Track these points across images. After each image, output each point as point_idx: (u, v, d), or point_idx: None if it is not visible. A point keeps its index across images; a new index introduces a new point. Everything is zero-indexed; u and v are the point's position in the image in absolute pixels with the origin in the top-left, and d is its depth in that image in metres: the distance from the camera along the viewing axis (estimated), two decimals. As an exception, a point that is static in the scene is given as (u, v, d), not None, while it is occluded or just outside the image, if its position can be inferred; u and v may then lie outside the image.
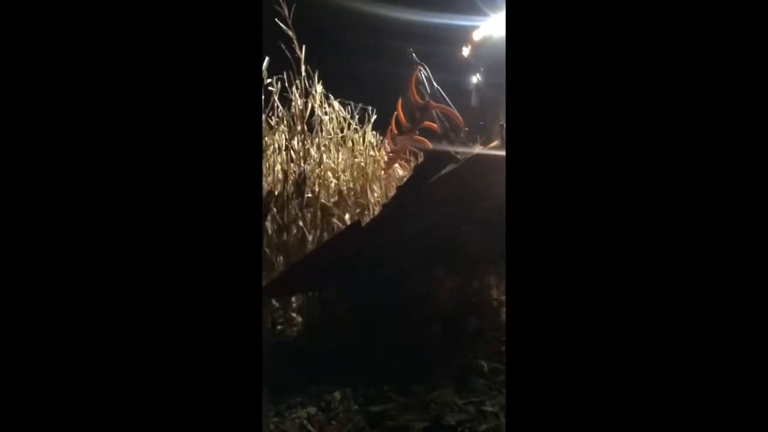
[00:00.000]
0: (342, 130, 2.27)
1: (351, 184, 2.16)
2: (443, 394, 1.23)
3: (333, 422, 1.16)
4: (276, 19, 2.01)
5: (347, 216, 1.99)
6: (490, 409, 1.16)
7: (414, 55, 2.23)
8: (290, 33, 2.02)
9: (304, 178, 1.94)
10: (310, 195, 1.94)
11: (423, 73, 2.21)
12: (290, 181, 1.94)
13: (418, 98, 2.11)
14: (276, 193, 1.85)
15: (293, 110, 2.08)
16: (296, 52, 2.06)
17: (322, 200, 1.96)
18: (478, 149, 1.99)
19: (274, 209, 1.80)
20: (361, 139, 2.32)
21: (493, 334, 1.57)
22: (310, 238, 1.84)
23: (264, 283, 1.46)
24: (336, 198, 2.04)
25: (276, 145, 2.05)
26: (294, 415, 1.17)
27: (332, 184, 2.12)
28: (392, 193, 2.04)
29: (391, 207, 1.67)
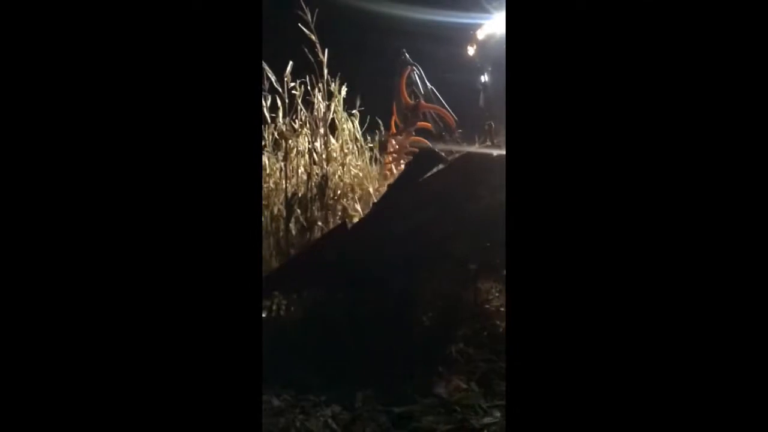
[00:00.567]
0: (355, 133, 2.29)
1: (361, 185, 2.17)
2: (468, 396, 1.22)
3: (357, 422, 1.16)
4: (299, 24, 2.04)
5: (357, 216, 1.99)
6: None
7: (407, 55, 2.23)
8: (313, 37, 2.05)
9: (326, 179, 1.96)
10: (332, 197, 1.97)
11: (416, 73, 2.21)
12: (313, 183, 1.96)
13: (408, 99, 2.12)
14: (299, 194, 1.88)
15: (316, 113, 2.11)
16: (319, 56, 2.09)
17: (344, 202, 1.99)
18: (475, 149, 1.98)
19: (298, 210, 1.82)
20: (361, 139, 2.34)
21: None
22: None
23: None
24: (354, 197, 2.06)
25: (299, 148, 2.08)
26: (319, 414, 1.18)
27: (351, 186, 2.14)
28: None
29: (380, 206, 1.67)
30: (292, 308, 1.63)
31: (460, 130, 2.21)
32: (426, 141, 2.19)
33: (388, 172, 2.40)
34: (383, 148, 2.36)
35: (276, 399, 1.23)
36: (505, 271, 1.71)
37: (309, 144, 2.03)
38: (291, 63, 2.09)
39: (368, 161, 2.30)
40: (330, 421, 1.16)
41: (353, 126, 2.25)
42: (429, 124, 2.12)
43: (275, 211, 1.88)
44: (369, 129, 2.38)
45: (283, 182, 1.91)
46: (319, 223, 1.88)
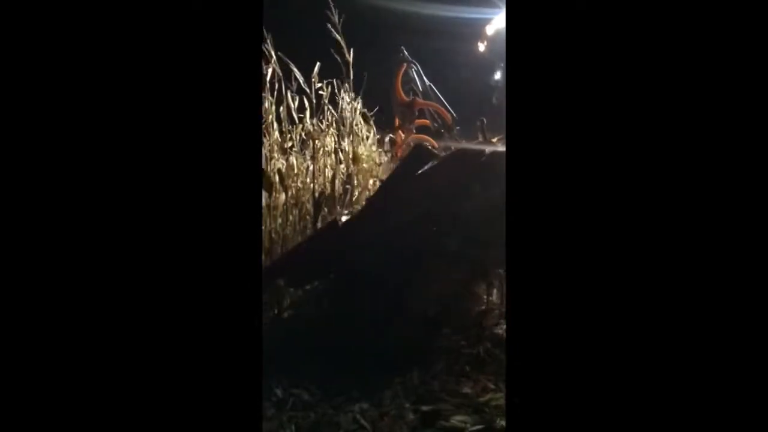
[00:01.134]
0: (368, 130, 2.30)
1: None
2: (497, 397, 1.21)
3: (385, 418, 1.17)
4: (328, 25, 2.07)
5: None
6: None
7: (405, 52, 2.23)
8: (340, 39, 2.08)
9: (352, 179, 1.98)
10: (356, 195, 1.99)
11: (414, 70, 2.20)
12: (338, 182, 1.99)
13: (404, 96, 2.12)
14: (326, 193, 1.90)
15: (342, 113, 2.14)
16: (345, 57, 2.11)
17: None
18: (474, 145, 1.96)
19: (326, 209, 1.85)
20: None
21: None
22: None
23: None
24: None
25: (326, 148, 2.11)
26: (347, 409, 1.20)
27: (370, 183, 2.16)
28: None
29: (373, 203, 1.67)
30: (283, 306, 1.65)
31: (458, 127, 2.20)
32: (429, 138, 2.18)
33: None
34: (392, 143, 2.36)
35: (306, 394, 1.25)
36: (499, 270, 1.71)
37: (336, 144, 2.06)
38: (318, 64, 2.12)
39: (378, 158, 2.30)
40: (359, 416, 1.17)
41: (371, 125, 2.28)
42: (427, 121, 2.11)
43: (303, 210, 1.91)
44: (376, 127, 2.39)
45: (311, 182, 1.94)
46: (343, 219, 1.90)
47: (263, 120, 1.94)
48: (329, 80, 2.12)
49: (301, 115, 2.05)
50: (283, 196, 1.83)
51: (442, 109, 2.10)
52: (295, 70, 2.00)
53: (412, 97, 2.09)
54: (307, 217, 1.89)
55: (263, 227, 1.80)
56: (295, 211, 1.85)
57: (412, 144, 2.25)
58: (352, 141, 2.11)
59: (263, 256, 1.64)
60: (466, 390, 1.26)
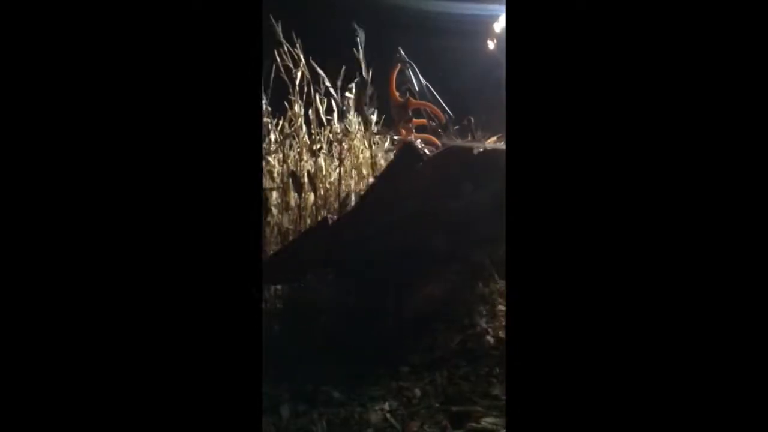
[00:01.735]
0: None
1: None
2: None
3: (414, 419, 1.17)
4: (354, 46, 2.09)
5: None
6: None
7: (402, 52, 2.22)
8: (361, 60, 2.09)
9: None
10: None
11: (410, 70, 2.20)
12: (363, 184, 2.01)
13: (397, 97, 2.11)
14: (351, 195, 1.93)
15: (365, 117, 2.16)
16: (364, 74, 2.12)
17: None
18: (488, 144, 1.96)
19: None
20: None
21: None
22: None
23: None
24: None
25: (353, 151, 2.14)
26: (377, 408, 1.20)
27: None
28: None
29: (364, 203, 1.68)
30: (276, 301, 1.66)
31: (457, 126, 2.19)
32: (430, 137, 2.17)
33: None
34: (398, 144, 2.36)
35: (336, 391, 1.26)
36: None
37: (365, 148, 2.09)
38: (344, 68, 2.15)
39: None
40: (388, 416, 1.17)
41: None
42: (424, 121, 2.11)
43: (331, 210, 1.93)
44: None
45: (339, 183, 1.96)
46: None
47: (293, 123, 1.99)
48: (351, 86, 2.14)
49: (329, 117, 2.08)
50: (312, 197, 1.86)
51: (435, 108, 2.10)
52: (322, 73, 2.03)
53: (406, 97, 2.10)
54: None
55: (294, 227, 1.83)
56: (324, 212, 1.88)
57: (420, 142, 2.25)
58: (369, 147, 2.13)
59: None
60: (496, 392, 1.24)
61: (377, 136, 2.19)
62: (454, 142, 1.95)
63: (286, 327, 1.59)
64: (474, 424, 1.12)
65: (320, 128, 2.06)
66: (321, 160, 2.00)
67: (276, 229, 1.84)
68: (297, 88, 1.94)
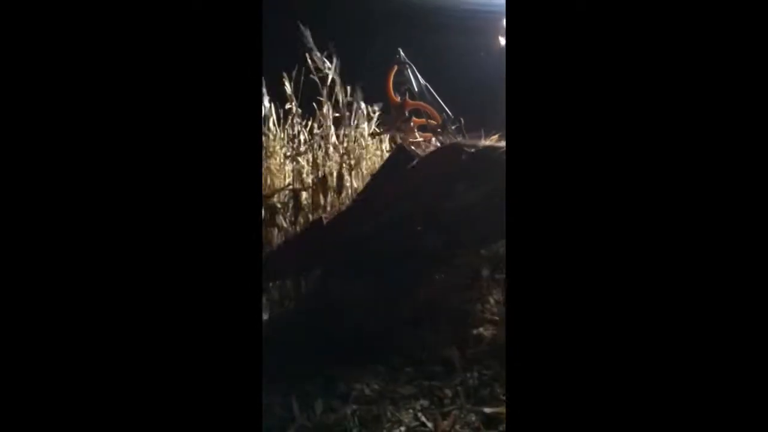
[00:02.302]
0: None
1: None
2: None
3: (446, 420, 1.17)
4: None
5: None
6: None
7: (402, 53, 2.23)
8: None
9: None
10: None
11: (409, 71, 2.21)
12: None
13: (394, 98, 2.12)
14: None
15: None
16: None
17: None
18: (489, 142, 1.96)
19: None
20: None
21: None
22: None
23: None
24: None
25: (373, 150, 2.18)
26: (408, 406, 1.21)
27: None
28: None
29: (358, 203, 1.70)
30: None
31: (455, 126, 2.19)
32: (428, 135, 2.19)
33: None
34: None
35: (367, 388, 1.27)
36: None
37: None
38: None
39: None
40: (420, 414, 1.18)
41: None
42: (423, 120, 2.13)
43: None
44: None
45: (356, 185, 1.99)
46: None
47: (322, 125, 2.02)
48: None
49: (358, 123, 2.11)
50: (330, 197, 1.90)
51: (430, 108, 2.12)
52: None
53: (404, 98, 2.12)
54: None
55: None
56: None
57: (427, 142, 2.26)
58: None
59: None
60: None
61: (376, 137, 2.23)
62: (454, 141, 1.96)
63: (312, 324, 1.61)
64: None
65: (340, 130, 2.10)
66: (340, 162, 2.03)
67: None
68: (326, 90, 1.98)
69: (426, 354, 1.44)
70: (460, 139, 1.97)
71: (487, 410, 1.18)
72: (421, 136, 2.08)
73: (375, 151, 2.18)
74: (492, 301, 1.66)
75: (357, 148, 2.09)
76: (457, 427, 1.14)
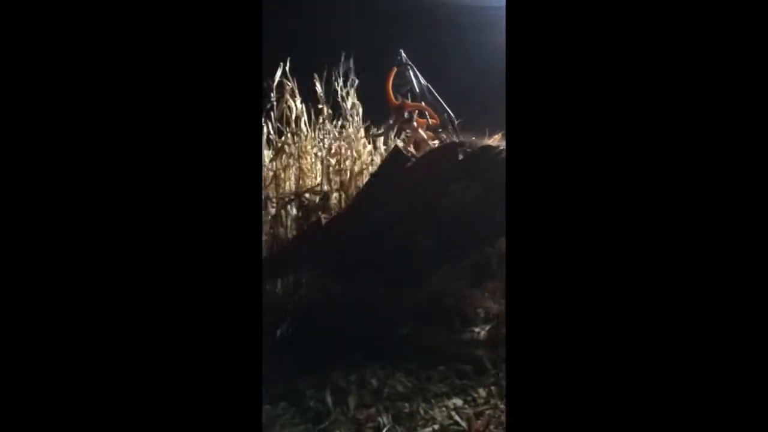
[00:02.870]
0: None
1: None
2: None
3: (479, 420, 1.16)
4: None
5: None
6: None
7: (403, 54, 2.22)
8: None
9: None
10: None
11: (410, 72, 2.19)
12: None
13: (393, 99, 2.11)
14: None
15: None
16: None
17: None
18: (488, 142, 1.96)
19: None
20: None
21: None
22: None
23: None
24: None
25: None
26: (441, 405, 1.20)
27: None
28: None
29: (355, 204, 1.71)
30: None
31: (453, 126, 2.17)
32: (430, 134, 2.18)
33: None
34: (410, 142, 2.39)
35: (400, 385, 1.28)
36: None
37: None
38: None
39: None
40: (453, 413, 1.17)
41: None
42: (424, 120, 2.12)
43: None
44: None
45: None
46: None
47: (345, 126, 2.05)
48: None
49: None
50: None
51: (429, 109, 2.11)
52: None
53: (402, 99, 2.12)
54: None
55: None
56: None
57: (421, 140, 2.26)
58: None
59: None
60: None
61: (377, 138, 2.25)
62: (451, 141, 1.95)
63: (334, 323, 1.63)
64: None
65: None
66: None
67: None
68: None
69: (455, 353, 1.44)
70: (456, 138, 1.98)
71: (522, 411, 1.17)
72: (426, 135, 2.09)
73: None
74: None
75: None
76: (492, 427, 1.13)
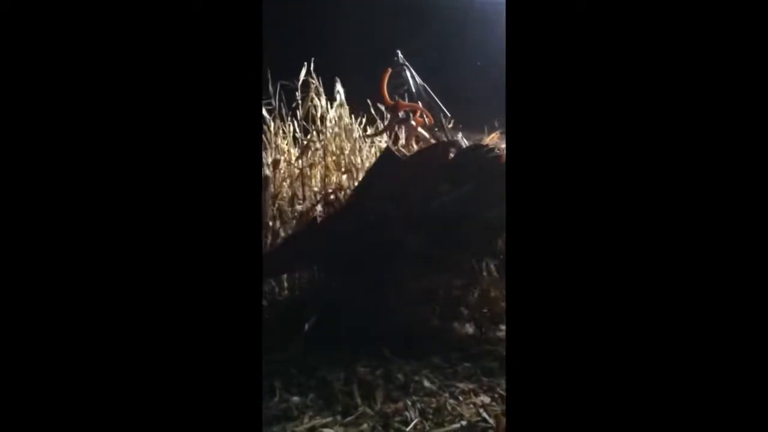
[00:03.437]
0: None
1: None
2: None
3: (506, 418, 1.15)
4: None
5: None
6: None
7: (400, 55, 2.22)
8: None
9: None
10: None
11: (407, 72, 2.20)
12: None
13: (388, 100, 2.11)
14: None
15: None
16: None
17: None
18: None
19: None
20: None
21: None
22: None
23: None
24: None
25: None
26: (469, 402, 1.20)
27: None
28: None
29: (350, 203, 1.74)
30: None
31: (449, 125, 2.16)
32: (424, 132, 2.18)
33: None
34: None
35: (426, 381, 1.28)
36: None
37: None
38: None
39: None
40: (481, 411, 1.17)
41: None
42: (421, 120, 2.12)
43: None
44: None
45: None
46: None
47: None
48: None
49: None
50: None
51: (423, 109, 2.11)
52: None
53: (396, 99, 2.13)
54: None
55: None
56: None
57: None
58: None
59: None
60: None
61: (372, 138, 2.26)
62: (441, 140, 1.96)
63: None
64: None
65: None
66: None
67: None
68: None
69: (478, 350, 1.43)
70: (446, 137, 1.99)
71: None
72: (427, 133, 2.11)
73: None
74: None
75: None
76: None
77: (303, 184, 1.98)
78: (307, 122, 2.06)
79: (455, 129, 2.15)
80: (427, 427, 1.09)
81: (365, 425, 1.10)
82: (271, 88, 2.00)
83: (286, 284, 1.81)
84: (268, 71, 1.99)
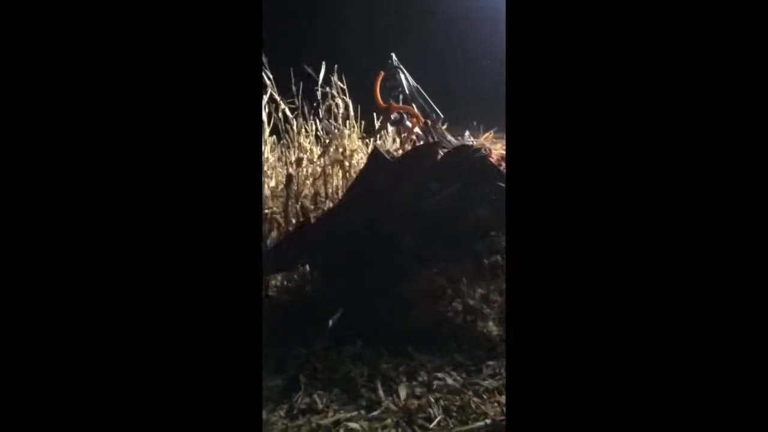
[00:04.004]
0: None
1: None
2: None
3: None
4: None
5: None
6: None
7: (394, 57, 2.20)
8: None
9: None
10: None
11: (400, 75, 2.18)
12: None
13: (380, 102, 2.10)
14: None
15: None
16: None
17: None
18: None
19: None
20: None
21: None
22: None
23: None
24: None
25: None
26: (493, 400, 1.19)
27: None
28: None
29: (343, 203, 1.74)
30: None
31: (444, 126, 2.14)
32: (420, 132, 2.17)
33: None
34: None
35: (448, 377, 1.28)
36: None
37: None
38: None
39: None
40: (506, 409, 1.16)
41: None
42: (415, 121, 2.11)
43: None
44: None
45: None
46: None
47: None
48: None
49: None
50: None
51: (414, 110, 2.10)
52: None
53: (389, 102, 2.12)
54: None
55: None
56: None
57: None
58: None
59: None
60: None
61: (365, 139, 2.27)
62: (432, 141, 1.97)
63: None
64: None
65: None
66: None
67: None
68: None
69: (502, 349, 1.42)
70: (434, 138, 1.99)
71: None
72: (422, 134, 2.12)
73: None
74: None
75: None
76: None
77: (325, 183, 2.01)
78: (329, 121, 2.09)
79: (449, 130, 2.15)
80: (451, 425, 1.09)
81: (389, 420, 1.10)
82: (294, 87, 2.03)
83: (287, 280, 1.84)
84: (291, 70, 2.02)
